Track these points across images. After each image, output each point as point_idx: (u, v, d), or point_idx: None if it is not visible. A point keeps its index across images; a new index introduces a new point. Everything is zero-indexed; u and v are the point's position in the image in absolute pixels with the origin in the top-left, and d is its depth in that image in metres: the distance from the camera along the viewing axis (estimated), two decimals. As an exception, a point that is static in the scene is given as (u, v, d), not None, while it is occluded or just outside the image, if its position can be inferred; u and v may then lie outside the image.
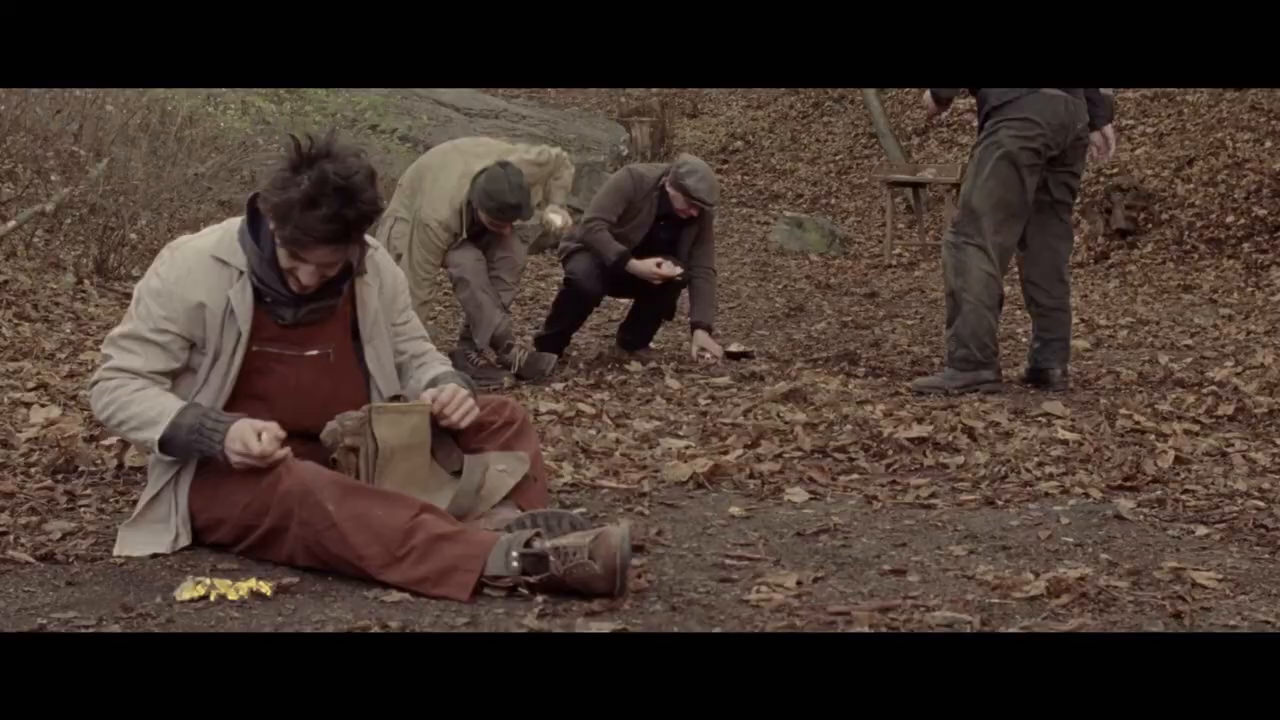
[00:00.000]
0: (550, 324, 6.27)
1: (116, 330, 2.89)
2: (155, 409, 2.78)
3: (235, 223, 2.89)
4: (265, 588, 2.58)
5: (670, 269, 5.93)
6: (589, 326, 6.75)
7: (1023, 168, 4.95)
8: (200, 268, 2.83)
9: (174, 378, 2.88)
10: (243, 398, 2.90)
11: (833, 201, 12.95)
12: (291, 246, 2.75)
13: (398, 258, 5.34)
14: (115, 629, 2.40)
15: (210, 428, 2.75)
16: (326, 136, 2.76)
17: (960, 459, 3.84)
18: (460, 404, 2.95)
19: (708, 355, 5.96)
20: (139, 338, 2.84)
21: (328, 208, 2.67)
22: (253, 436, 2.72)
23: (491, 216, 5.51)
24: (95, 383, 2.87)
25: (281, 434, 2.75)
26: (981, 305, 4.96)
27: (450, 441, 3.00)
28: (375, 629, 2.40)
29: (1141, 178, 10.67)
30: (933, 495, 3.48)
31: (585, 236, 5.97)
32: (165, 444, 2.77)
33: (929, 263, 10.72)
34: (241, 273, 2.84)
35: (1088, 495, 3.43)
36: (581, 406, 4.65)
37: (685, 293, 6.21)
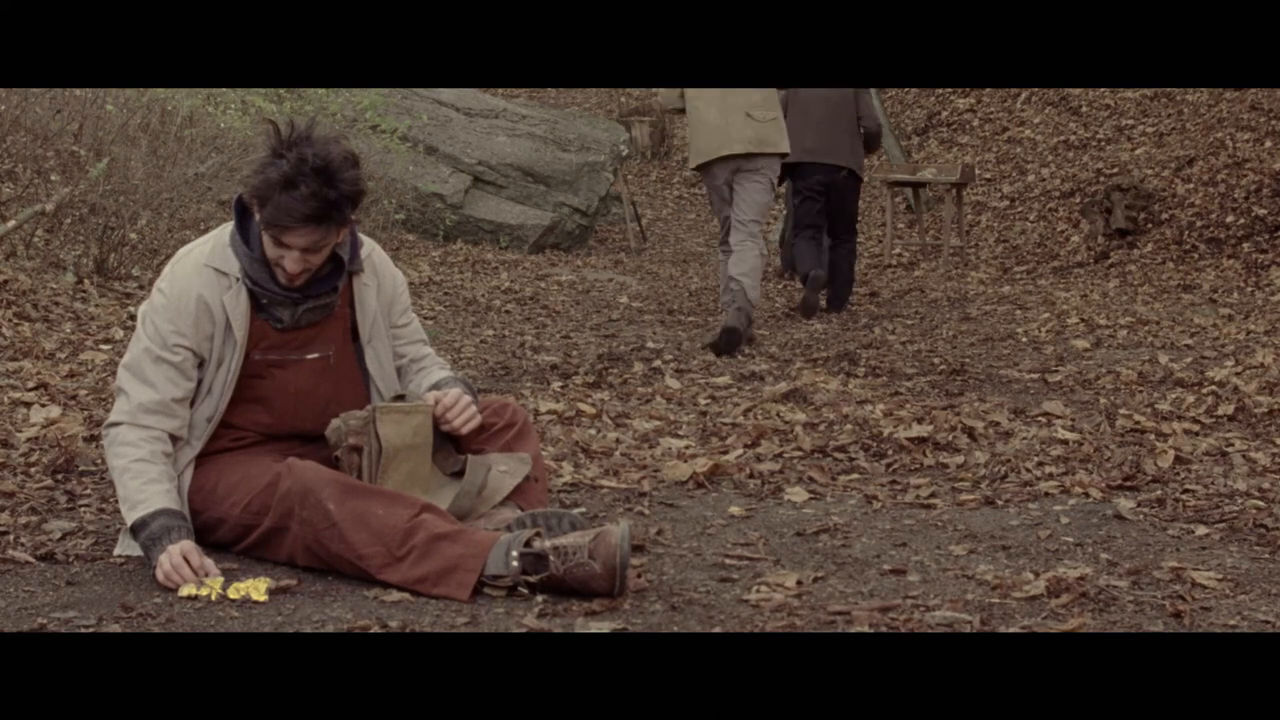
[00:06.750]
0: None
1: (127, 356, 2.85)
2: (140, 494, 2.72)
3: (227, 228, 2.89)
4: (263, 588, 2.58)
5: None
6: (588, 325, 6.74)
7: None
8: (200, 279, 2.83)
9: (191, 404, 2.85)
10: (243, 402, 2.90)
11: (833, 201, 12.89)
12: (272, 230, 2.74)
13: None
14: (115, 629, 2.40)
15: (161, 546, 2.65)
16: (307, 123, 2.77)
17: (960, 459, 3.84)
18: (463, 409, 2.95)
19: None
20: (152, 359, 2.80)
21: (306, 187, 2.67)
22: (181, 563, 2.63)
23: None
24: (111, 425, 2.81)
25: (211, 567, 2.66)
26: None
27: (448, 445, 3.00)
28: (375, 629, 2.40)
29: (1141, 178, 10.66)
30: (933, 495, 3.48)
31: None
32: (135, 531, 2.72)
33: (929, 262, 10.71)
34: (237, 279, 2.84)
35: (1088, 495, 3.43)
36: (581, 406, 4.65)
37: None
